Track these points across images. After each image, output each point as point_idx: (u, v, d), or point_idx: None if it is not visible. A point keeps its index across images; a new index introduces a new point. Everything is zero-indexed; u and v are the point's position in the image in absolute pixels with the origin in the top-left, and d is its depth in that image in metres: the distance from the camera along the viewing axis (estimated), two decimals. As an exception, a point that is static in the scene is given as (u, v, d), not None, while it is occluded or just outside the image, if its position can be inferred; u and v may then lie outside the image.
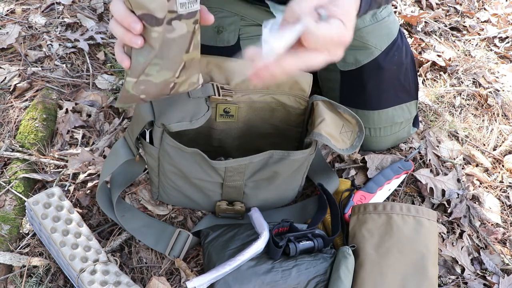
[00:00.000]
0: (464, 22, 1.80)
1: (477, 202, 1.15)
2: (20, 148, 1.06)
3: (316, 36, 0.53)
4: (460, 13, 1.84)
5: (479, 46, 1.70)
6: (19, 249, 0.91)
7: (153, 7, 0.60)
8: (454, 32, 1.74)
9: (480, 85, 1.52)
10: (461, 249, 1.04)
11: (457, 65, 1.56)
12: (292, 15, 0.55)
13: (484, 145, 1.32)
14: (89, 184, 1.02)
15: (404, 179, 1.15)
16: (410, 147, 1.23)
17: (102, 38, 1.37)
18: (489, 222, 1.12)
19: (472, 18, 1.84)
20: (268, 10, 1.07)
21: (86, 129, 1.15)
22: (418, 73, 1.50)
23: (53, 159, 1.06)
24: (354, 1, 0.60)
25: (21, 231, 0.94)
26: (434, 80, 1.51)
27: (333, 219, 0.96)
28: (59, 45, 1.33)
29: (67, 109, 1.16)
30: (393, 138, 1.16)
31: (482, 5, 1.92)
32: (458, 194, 1.13)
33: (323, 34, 0.53)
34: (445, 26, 1.76)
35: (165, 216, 1.00)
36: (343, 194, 1.05)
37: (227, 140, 1.01)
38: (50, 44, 1.33)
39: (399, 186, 1.13)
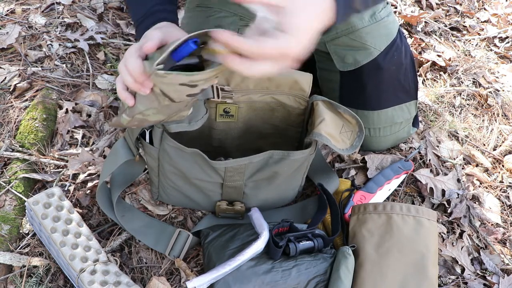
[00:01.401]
0: (464, 22, 1.80)
1: (477, 202, 1.15)
2: (20, 148, 1.06)
3: (250, 49, 0.55)
4: (460, 13, 1.84)
5: (479, 46, 1.70)
6: (19, 249, 0.91)
7: (172, 95, 0.65)
8: (454, 32, 1.74)
9: (480, 85, 1.52)
10: (461, 249, 1.04)
11: (457, 65, 1.56)
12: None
13: (484, 145, 1.32)
14: (89, 184, 1.02)
15: (404, 179, 1.15)
16: (410, 147, 1.23)
17: (102, 38, 1.37)
18: (489, 222, 1.12)
19: (472, 18, 1.84)
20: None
21: (86, 129, 1.15)
22: (418, 73, 1.50)
23: (53, 159, 1.06)
24: (317, 14, 0.60)
25: (21, 231, 0.94)
26: (434, 80, 1.51)
27: (333, 219, 0.96)
28: (59, 45, 1.33)
29: (67, 109, 1.16)
30: (393, 138, 1.16)
31: (482, 5, 1.92)
32: (458, 194, 1.13)
33: (257, 47, 0.55)
34: (445, 26, 1.76)
35: (165, 216, 1.00)
36: (343, 194, 1.05)
37: (227, 140, 1.01)
38: (50, 44, 1.33)
39: (399, 186, 1.13)
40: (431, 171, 1.18)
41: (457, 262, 1.01)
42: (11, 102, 1.17)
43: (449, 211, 1.10)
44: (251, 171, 0.89)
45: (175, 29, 0.77)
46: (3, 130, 1.11)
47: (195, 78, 0.61)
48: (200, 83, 0.63)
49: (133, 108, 0.71)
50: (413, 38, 1.65)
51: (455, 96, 1.45)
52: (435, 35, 1.70)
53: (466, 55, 1.64)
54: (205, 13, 1.06)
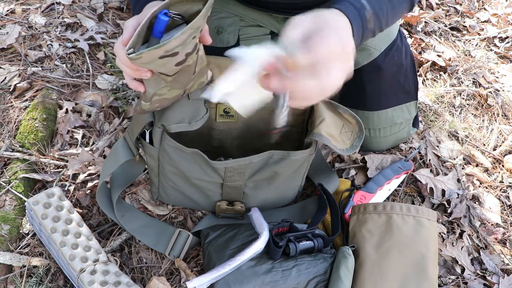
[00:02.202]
0: (464, 22, 1.80)
1: (477, 202, 1.15)
2: (20, 148, 1.06)
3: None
4: (460, 13, 1.84)
5: (479, 46, 1.70)
6: (19, 249, 0.91)
7: (163, 70, 0.67)
8: (454, 32, 1.74)
9: (480, 85, 1.52)
10: (461, 249, 1.04)
11: (457, 65, 1.56)
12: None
13: (484, 145, 1.32)
14: (89, 184, 1.02)
15: (404, 179, 1.15)
16: (410, 147, 1.23)
17: (102, 38, 1.37)
18: (489, 222, 1.12)
19: (472, 18, 1.84)
20: (269, 13, 1.07)
21: (86, 129, 1.15)
22: (418, 73, 1.50)
23: (53, 159, 1.06)
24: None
25: (21, 231, 0.94)
26: (434, 80, 1.51)
27: (333, 219, 0.96)
28: (59, 45, 1.33)
29: (67, 109, 1.16)
30: (393, 139, 1.16)
31: (482, 5, 1.92)
32: (458, 194, 1.13)
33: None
34: (445, 26, 1.76)
35: (165, 216, 1.00)
36: (343, 194, 1.05)
37: (227, 140, 1.01)
38: (50, 44, 1.33)
39: (399, 186, 1.13)
40: (431, 171, 1.18)
41: (457, 262, 1.01)
42: (11, 102, 1.17)
43: (449, 211, 1.10)
44: (251, 171, 0.89)
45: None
46: (3, 130, 1.11)
47: (168, 47, 0.61)
48: (179, 49, 0.63)
49: (146, 93, 0.73)
50: (413, 38, 1.65)
51: (455, 96, 1.45)
52: (435, 35, 1.70)
53: (466, 55, 1.64)
54: (205, 13, 1.06)
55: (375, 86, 1.07)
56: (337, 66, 0.58)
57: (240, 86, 0.57)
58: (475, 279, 1.00)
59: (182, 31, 0.60)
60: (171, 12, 0.62)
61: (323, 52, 0.56)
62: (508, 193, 1.20)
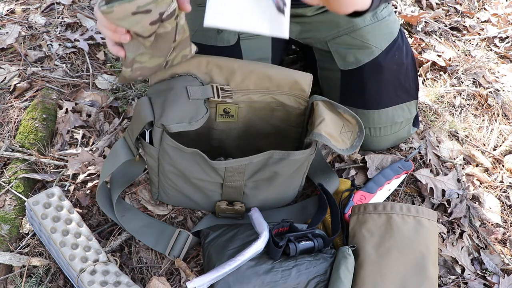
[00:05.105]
0: (464, 22, 1.80)
1: (477, 202, 1.15)
2: (20, 148, 1.06)
3: None
4: (460, 13, 1.84)
5: (479, 46, 1.70)
6: (19, 249, 0.91)
7: (138, 29, 0.68)
8: (454, 32, 1.74)
9: (480, 85, 1.52)
10: (461, 249, 1.04)
11: (457, 65, 1.56)
12: None
13: (484, 145, 1.32)
14: (89, 184, 1.02)
15: (404, 179, 1.15)
16: (410, 147, 1.23)
17: (102, 38, 1.37)
18: (489, 222, 1.12)
19: (472, 18, 1.84)
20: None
21: (86, 129, 1.15)
22: (418, 73, 1.50)
23: (53, 159, 1.06)
24: None
25: (21, 231, 0.94)
26: (434, 80, 1.51)
27: (333, 219, 0.96)
28: (59, 45, 1.33)
29: (67, 109, 1.16)
30: (393, 138, 1.16)
31: (482, 5, 1.92)
32: (458, 194, 1.13)
33: None
34: (445, 26, 1.76)
35: (165, 216, 1.00)
36: (343, 194, 1.05)
37: (227, 140, 1.01)
38: (50, 44, 1.33)
39: (399, 186, 1.13)
40: (431, 171, 1.18)
41: (457, 262, 1.01)
42: (11, 102, 1.17)
43: (449, 211, 1.10)
44: (251, 171, 0.89)
45: None
46: (3, 130, 1.11)
47: (140, 2, 0.62)
48: (152, 7, 0.64)
49: (126, 58, 0.75)
50: (413, 38, 1.65)
51: (455, 96, 1.45)
52: (435, 35, 1.70)
53: (466, 55, 1.64)
54: (205, 13, 1.06)
55: (375, 84, 1.07)
56: None
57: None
58: (475, 279, 1.00)
59: None
60: None
61: None
62: (508, 193, 1.20)
